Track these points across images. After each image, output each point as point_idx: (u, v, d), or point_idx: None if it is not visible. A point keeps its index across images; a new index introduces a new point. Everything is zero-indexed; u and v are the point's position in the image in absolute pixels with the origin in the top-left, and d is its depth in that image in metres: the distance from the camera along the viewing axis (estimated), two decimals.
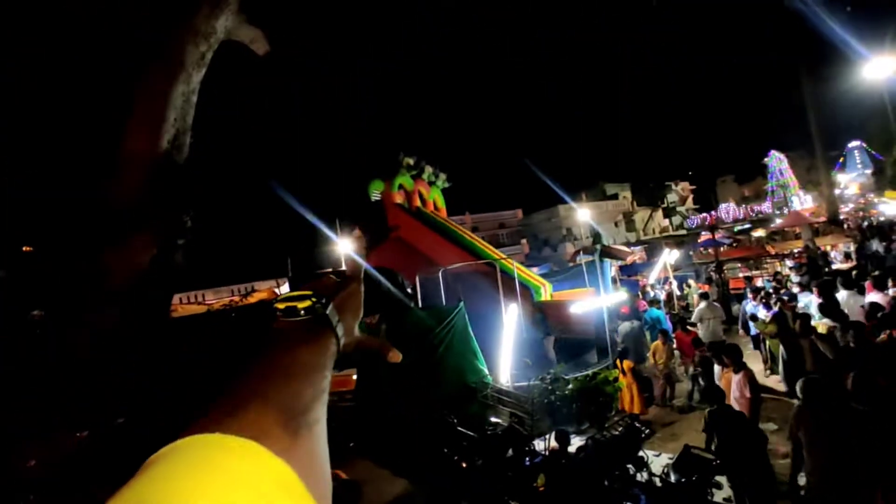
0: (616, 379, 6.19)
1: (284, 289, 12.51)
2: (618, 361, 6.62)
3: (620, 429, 4.82)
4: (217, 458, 0.31)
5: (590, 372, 6.58)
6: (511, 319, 7.18)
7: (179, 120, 2.83)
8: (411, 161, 14.00)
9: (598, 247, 10.82)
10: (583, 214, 28.86)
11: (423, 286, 8.92)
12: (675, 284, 13.05)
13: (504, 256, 10.63)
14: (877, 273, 7.41)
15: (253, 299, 10.75)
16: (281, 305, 0.51)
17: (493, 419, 5.48)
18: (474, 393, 6.44)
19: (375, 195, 13.90)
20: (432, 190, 14.32)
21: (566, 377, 6.04)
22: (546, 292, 10.80)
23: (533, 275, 11.42)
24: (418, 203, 13.73)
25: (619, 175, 45.31)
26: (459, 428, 5.06)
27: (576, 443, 4.98)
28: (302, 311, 0.50)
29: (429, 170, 14.43)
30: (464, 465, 4.67)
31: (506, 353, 7.03)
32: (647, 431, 5.28)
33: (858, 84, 19.43)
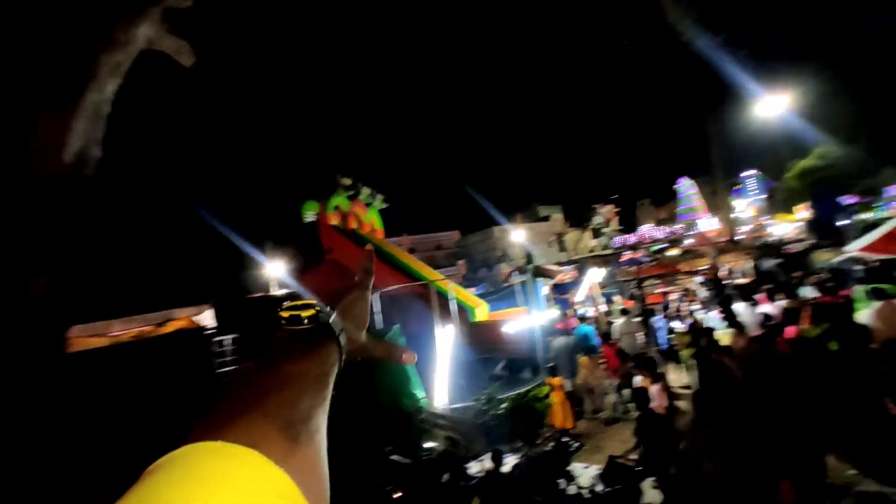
0: (547, 395, 6.38)
1: (204, 316, 11.68)
2: (549, 378, 6.84)
3: (551, 444, 4.95)
4: (217, 466, 0.31)
5: (523, 390, 6.74)
6: (447, 341, 7.20)
7: (88, 131, 2.60)
8: (348, 182, 13.83)
9: (531, 266, 11.23)
10: (517, 235, 29.98)
11: None
12: (602, 301, 13.81)
13: (441, 277, 10.72)
14: (769, 287, 8.37)
15: (169, 328, 9.89)
16: (285, 314, 0.51)
17: (429, 444, 5.40)
18: (410, 418, 6.33)
19: (310, 216, 13.52)
20: (369, 211, 14.20)
21: (500, 396, 6.13)
22: (482, 312, 10.99)
23: (469, 295, 11.58)
24: (354, 224, 13.53)
25: (552, 198, 47.74)
26: (393, 457, 4.93)
27: (510, 461, 5.03)
28: (305, 320, 0.50)
29: (366, 191, 14.32)
30: (398, 494, 4.53)
31: (442, 375, 7.01)
32: (576, 445, 5.48)
33: (754, 119, 22.04)
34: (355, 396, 6.10)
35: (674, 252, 28.11)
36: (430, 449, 5.23)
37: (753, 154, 35.04)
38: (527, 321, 8.57)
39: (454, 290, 9.75)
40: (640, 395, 4.97)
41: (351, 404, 6.00)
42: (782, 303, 7.43)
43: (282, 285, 17.96)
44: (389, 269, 11.06)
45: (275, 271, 18.32)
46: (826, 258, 11.88)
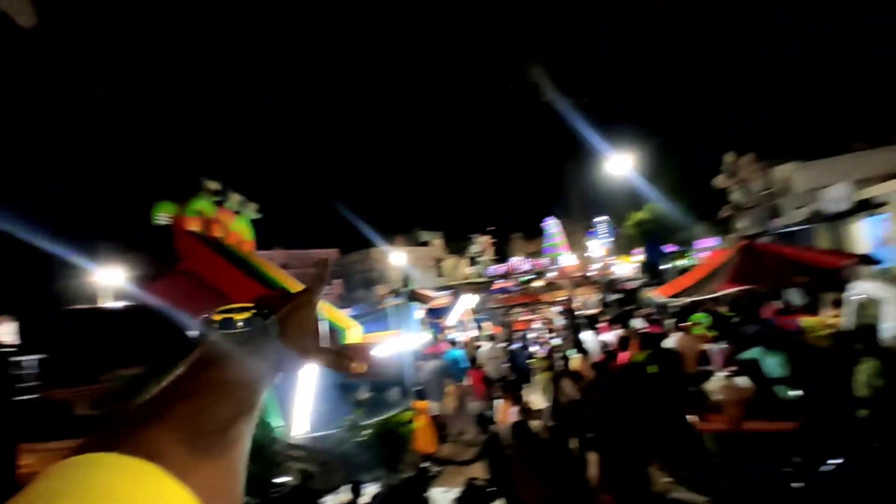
0: (411, 420, 6.33)
1: (4, 329, 9.36)
2: (414, 402, 6.81)
3: (412, 471, 4.87)
4: (105, 479, 0.29)
5: (388, 415, 6.59)
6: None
7: None
8: (215, 186, 12.47)
9: (406, 290, 11.29)
10: (397, 258, 30.08)
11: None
12: (473, 326, 14.45)
13: None
14: (609, 318, 9.61)
15: None
16: (217, 317, 0.47)
17: (280, 479, 4.91)
18: (261, 451, 5.70)
19: (163, 218, 11.82)
20: (238, 220, 12.93)
21: (364, 422, 5.90)
22: (355, 334, 10.62)
23: (342, 316, 11.13)
24: (220, 233, 12.17)
25: (433, 224, 49.34)
26: None
27: (370, 491, 4.81)
28: (239, 323, 0.46)
29: (236, 198, 13.04)
30: None
31: (303, 401, 6.51)
32: (436, 470, 5.48)
33: (604, 173, 25.67)
34: None
35: (538, 283, 30.98)
36: (282, 484, 4.75)
37: (603, 203, 40.95)
38: (398, 344, 8.50)
39: (326, 310, 9.28)
40: (483, 420, 5.22)
41: None
42: (619, 332, 8.59)
43: (118, 296, 15.24)
44: (256, 284, 10.13)
45: (109, 279, 15.47)
46: (652, 295, 14.10)
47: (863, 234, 14.47)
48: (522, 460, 4.07)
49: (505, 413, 6.12)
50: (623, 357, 6.86)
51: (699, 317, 8.14)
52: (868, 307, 5.02)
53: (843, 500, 3.40)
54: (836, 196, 15.29)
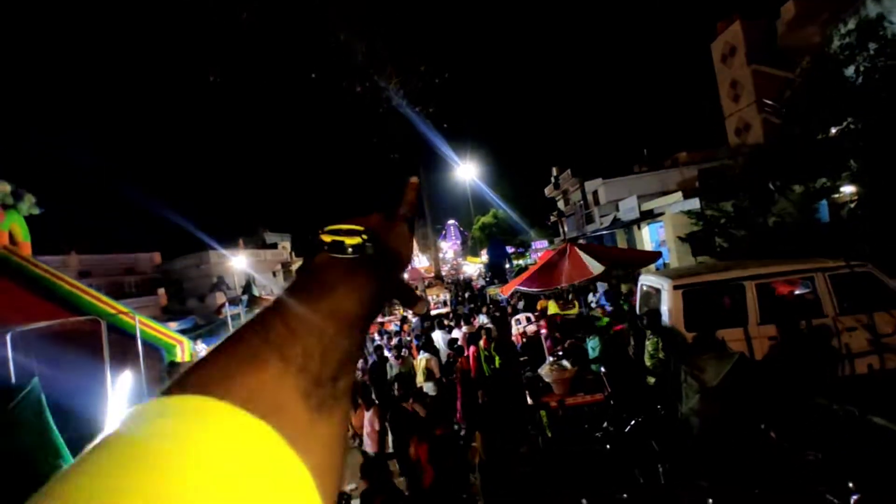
0: None
1: None
2: None
3: None
4: (205, 441, 0.20)
5: None
6: (122, 392, 5.57)
7: None
8: None
9: (247, 297, 10.23)
10: (238, 262, 27.08)
11: None
12: None
13: (124, 309, 8.39)
14: (459, 315, 10.15)
15: None
16: (327, 238, 0.40)
17: None
18: None
19: None
20: (8, 216, 10.03)
21: None
22: (183, 351, 9.19)
23: (167, 331, 9.51)
24: None
25: (281, 225, 45.95)
26: None
27: None
28: (350, 249, 0.40)
29: (3, 187, 10.12)
30: None
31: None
32: None
33: (453, 179, 27.22)
34: None
35: None
36: None
37: (452, 206, 43.54)
38: None
39: (143, 326, 7.81)
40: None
41: None
42: (465, 329, 9.17)
43: None
44: (34, 297, 7.99)
45: None
46: (495, 293, 15.44)
47: (647, 237, 18.22)
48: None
49: (360, 418, 5.98)
50: (472, 351, 7.34)
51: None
52: (652, 295, 6.31)
53: (643, 455, 4.16)
54: (628, 207, 18.94)
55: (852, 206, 8.82)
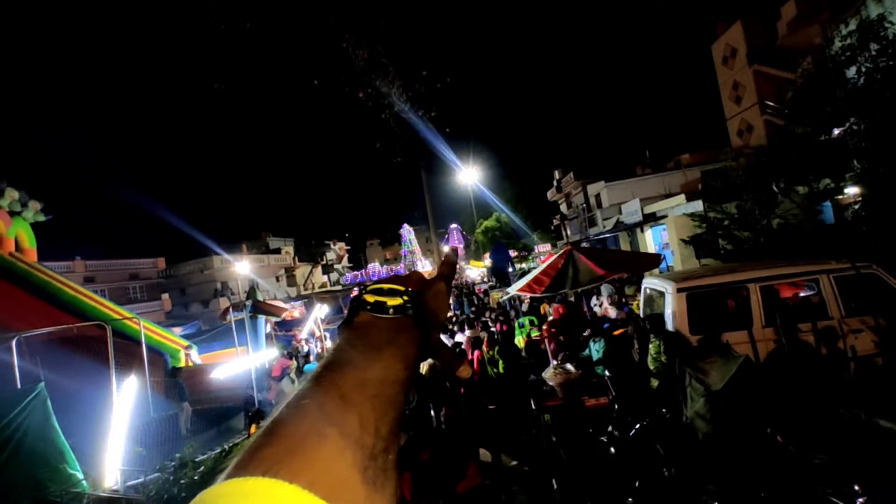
0: None
1: None
2: (253, 426, 6.21)
3: None
4: None
5: (228, 445, 5.83)
6: (127, 397, 5.60)
7: None
8: None
9: (250, 303, 10.24)
10: (242, 267, 27.16)
11: None
12: (328, 338, 13.81)
13: (129, 315, 8.45)
14: (463, 319, 10.14)
15: None
16: (370, 298, 0.41)
17: None
18: None
19: None
20: (15, 223, 10.13)
21: (196, 459, 5.09)
22: (188, 356, 9.23)
23: (171, 336, 9.57)
24: None
25: (284, 230, 46.12)
26: None
27: None
28: (391, 310, 0.40)
29: (12, 194, 10.22)
30: None
31: (114, 443, 5.35)
32: None
33: (456, 184, 27.28)
34: None
35: None
36: None
37: (455, 211, 43.58)
38: (242, 363, 7.64)
39: (148, 331, 7.85)
40: None
41: None
42: (468, 332, 9.15)
43: None
44: (40, 302, 8.06)
45: None
46: (498, 296, 15.41)
47: (650, 240, 18.17)
48: None
49: None
50: (477, 355, 7.32)
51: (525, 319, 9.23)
52: (655, 298, 6.29)
53: (649, 459, 4.14)
54: (631, 210, 18.92)
55: (856, 207, 8.77)
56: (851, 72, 8.20)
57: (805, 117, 9.02)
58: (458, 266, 0.60)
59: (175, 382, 7.55)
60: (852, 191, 9.17)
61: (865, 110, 7.76)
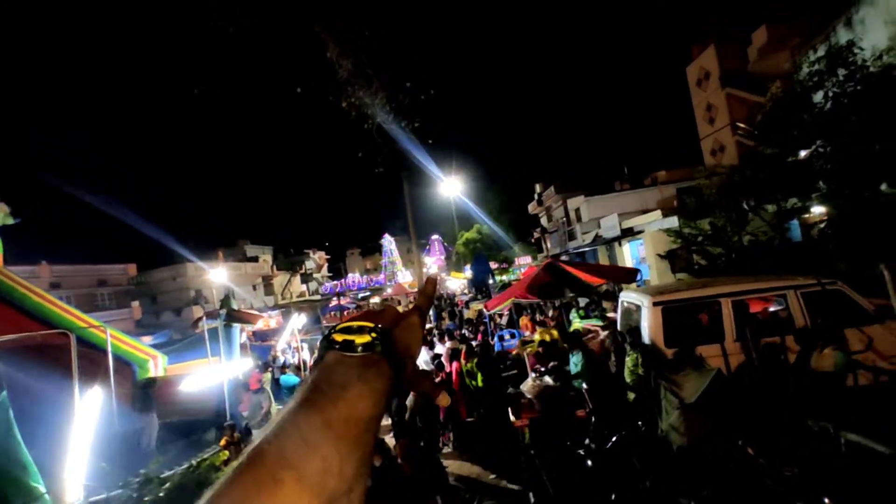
0: (228, 461, 5.52)
1: None
2: (223, 439, 6.03)
3: None
4: None
5: (196, 460, 5.62)
6: (91, 409, 5.36)
7: None
8: None
9: (224, 311, 9.99)
10: (217, 275, 26.48)
11: None
12: (305, 349, 13.54)
13: (95, 323, 8.10)
14: (441, 330, 10.10)
15: None
16: (339, 337, 0.42)
17: None
18: None
19: None
20: None
21: (163, 475, 4.88)
22: (158, 366, 8.89)
23: (140, 345, 9.19)
24: None
25: (262, 238, 45.33)
26: None
27: None
28: (359, 348, 0.41)
29: None
30: None
31: (77, 456, 5.10)
32: None
33: (437, 195, 27.38)
34: None
35: (375, 299, 31.05)
36: None
37: (437, 221, 43.65)
38: (214, 375, 7.41)
39: (115, 340, 7.55)
40: None
41: None
42: (449, 344, 9.12)
43: None
44: (6, 309, 7.67)
45: None
46: (478, 308, 15.42)
47: (628, 254, 18.53)
48: None
49: None
50: (456, 367, 7.28)
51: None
52: (633, 312, 6.39)
53: (624, 470, 4.16)
54: (610, 224, 19.28)
55: (822, 225, 9.15)
56: (818, 96, 8.60)
57: (773, 139, 9.41)
58: (437, 286, 0.59)
59: (144, 394, 7.27)
60: (818, 210, 9.56)
61: (832, 134, 8.13)
